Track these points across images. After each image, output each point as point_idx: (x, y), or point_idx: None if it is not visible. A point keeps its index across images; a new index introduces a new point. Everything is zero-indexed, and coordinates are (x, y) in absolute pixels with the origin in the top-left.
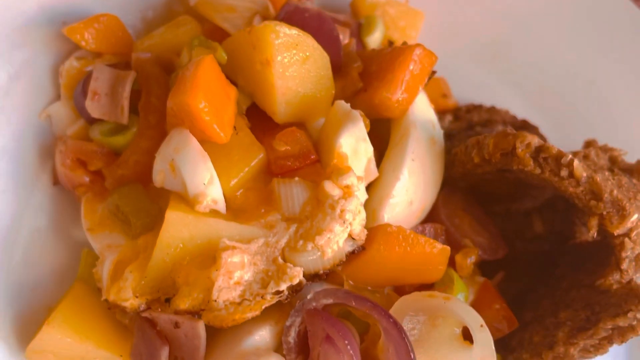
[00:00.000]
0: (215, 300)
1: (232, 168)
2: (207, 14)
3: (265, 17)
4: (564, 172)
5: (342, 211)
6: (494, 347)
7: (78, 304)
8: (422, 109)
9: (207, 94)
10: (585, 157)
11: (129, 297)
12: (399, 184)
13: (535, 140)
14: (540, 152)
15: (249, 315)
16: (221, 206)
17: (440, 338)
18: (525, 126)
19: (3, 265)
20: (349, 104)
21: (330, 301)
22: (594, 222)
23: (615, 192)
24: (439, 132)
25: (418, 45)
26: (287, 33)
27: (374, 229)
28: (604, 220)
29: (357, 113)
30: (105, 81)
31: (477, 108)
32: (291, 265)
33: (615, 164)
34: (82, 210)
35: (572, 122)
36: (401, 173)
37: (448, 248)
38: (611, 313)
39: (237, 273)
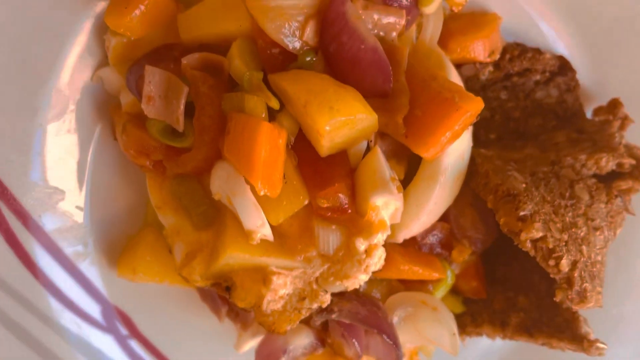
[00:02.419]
0: (264, 309)
1: (280, 212)
2: (255, 15)
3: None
4: (551, 262)
5: (367, 267)
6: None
7: (149, 250)
8: (457, 147)
9: (264, 171)
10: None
11: (197, 279)
12: (418, 222)
13: (538, 234)
14: (539, 241)
15: (288, 327)
16: (269, 236)
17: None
18: (562, 72)
19: (86, 203)
20: (388, 176)
21: (347, 321)
22: (559, 295)
23: (584, 284)
24: (467, 160)
25: (470, 101)
26: (341, 121)
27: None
28: (568, 299)
29: (393, 188)
30: (158, 84)
31: (520, 56)
32: (323, 293)
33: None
34: (147, 184)
35: (617, 68)
36: (423, 213)
37: (443, 275)
38: (552, 329)
39: (281, 291)
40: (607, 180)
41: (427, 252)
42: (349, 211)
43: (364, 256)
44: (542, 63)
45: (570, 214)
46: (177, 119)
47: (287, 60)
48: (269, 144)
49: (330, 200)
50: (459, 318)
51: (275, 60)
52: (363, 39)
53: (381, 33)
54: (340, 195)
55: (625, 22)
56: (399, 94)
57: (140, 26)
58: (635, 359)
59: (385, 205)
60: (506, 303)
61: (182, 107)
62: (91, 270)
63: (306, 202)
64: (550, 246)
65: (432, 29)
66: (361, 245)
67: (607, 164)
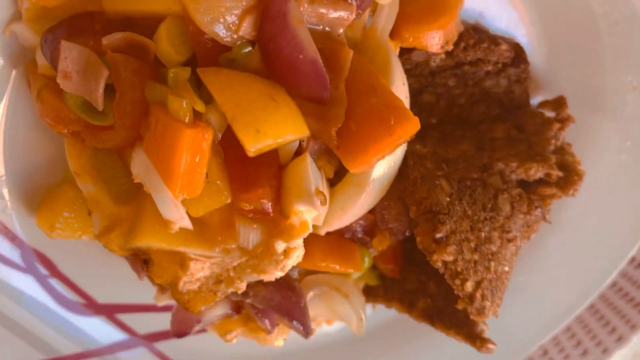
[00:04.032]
0: (180, 289)
1: (201, 207)
2: (185, 5)
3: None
4: (457, 282)
5: (284, 266)
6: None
7: (68, 207)
8: (388, 159)
9: (183, 179)
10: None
11: (115, 250)
12: (341, 222)
13: (450, 257)
14: (449, 262)
15: (202, 308)
16: (188, 225)
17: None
18: (515, 63)
19: (3, 154)
20: (313, 189)
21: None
22: (461, 305)
23: (484, 302)
24: (398, 166)
25: (406, 124)
26: (267, 144)
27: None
28: (468, 311)
29: (317, 201)
30: (75, 61)
31: (475, 46)
32: (238, 282)
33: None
34: (65, 150)
35: (576, 62)
36: (347, 216)
37: (360, 269)
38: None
39: (198, 274)
40: (532, 185)
41: (348, 238)
42: (272, 215)
43: (282, 257)
44: (497, 54)
45: (487, 227)
46: (95, 99)
47: (221, 48)
48: (191, 152)
49: (253, 205)
50: (373, 287)
51: (208, 48)
52: (302, 48)
53: (327, 28)
54: (264, 200)
55: (589, 20)
56: (336, 103)
57: None
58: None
59: (309, 211)
60: (418, 285)
61: (101, 89)
62: (9, 216)
63: (229, 200)
64: (459, 269)
65: (385, 21)
66: (280, 247)
67: (536, 173)
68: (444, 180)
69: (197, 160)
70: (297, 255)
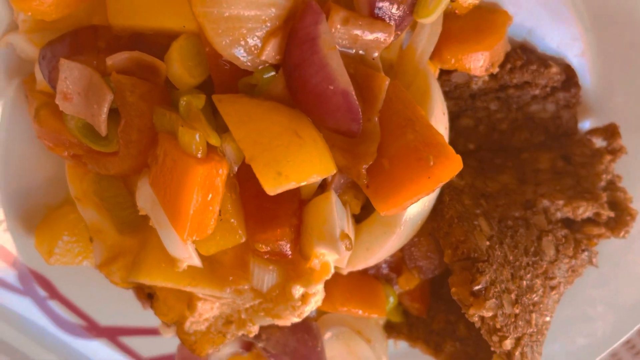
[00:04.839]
0: (187, 329)
1: (212, 246)
2: (203, 26)
3: (279, 38)
4: (495, 338)
5: (301, 313)
6: None
7: (68, 231)
8: (423, 199)
9: (192, 221)
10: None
11: (117, 281)
12: (366, 263)
13: (489, 313)
14: (485, 320)
15: (210, 350)
16: (197, 263)
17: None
18: (565, 87)
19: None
20: (338, 233)
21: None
22: None
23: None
24: (432, 205)
25: (447, 164)
26: (289, 186)
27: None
28: None
29: (342, 247)
30: (76, 81)
31: (522, 68)
32: (250, 324)
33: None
34: (66, 172)
35: (632, 86)
36: (373, 258)
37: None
38: None
39: (206, 314)
40: (578, 223)
41: (372, 275)
42: (290, 256)
43: (299, 303)
44: (546, 77)
45: (529, 275)
46: (98, 124)
47: (239, 72)
48: (203, 190)
49: (270, 246)
50: (396, 324)
51: (226, 71)
52: (333, 78)
53: (360, 51)
54: (282, 242)
55: None
56: (367, 137)
57: (56, 9)
58: None
59: (332, 253)
60: (446, 326)
61: (104, 114)
62: (5, 237)
63: (243, 240)
64: (498, 325)
65: (426, 43)
66: (298, 292)
67: (584, 212)
68: (483, 220)
69: (209, 198)
70: (316, 301)
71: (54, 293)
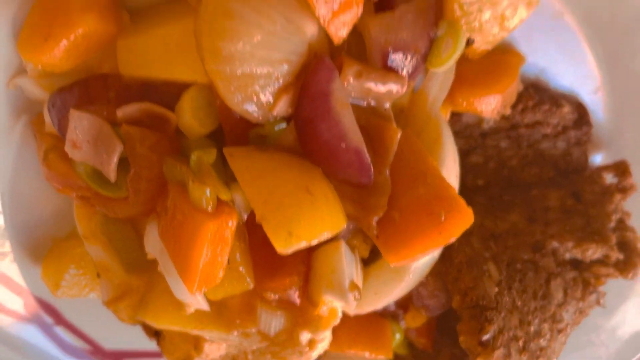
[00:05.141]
0: None
1: (220, 291)
2: (215, 83)
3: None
4: None
5: (308, 358)
6: None
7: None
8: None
9: (202, 274)
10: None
11: (124, 318)
12: (374, 308)
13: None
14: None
15: None
16: (204, 307)
17: None
18: (576, 125)
19: (8, 207)
20: (347, 283)
21: None
22: None
23: None
24: (440, 251)
25: (459, 219)
26: (299, 245)
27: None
28: None
29: (350, 297)
30: (85, 131)
31: (534, 108)
32: None
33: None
34: (74, 211)
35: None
36: (380, 303)
37: (390, 355)
38: None
39: (213, 354)
40: (587, 263)
41: (379, 313)
42: (298, 303)
43: (307, 349)
44: (558, 117)
45: (537, 319)
46: (108, 171)
47: (250, 123)
48: (213, 244)
49: (279, 294)
50: (401, 356)
51: (236, 122)
52: (345, 136)
53: (372, 102)
54: (290, 291)
55: None
56: (378, 189)
57: (66, 62)
58: None
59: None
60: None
61: (114, 164)
62: (12, 267)
63: (251, 287)
64: None
65: (438, 91)
66: (305, 337)
67: (594, 254)
68: (492, 265)
69: (218, 251)
70: (323, 346)
71: (59, 319)
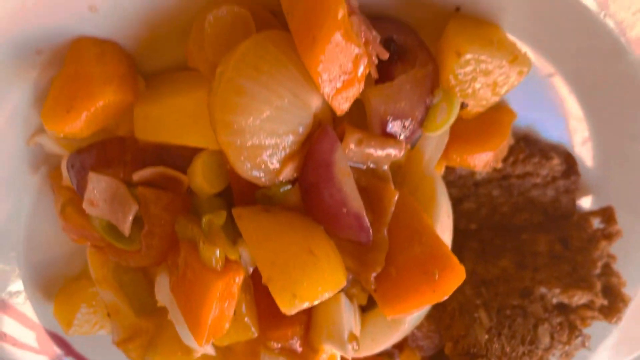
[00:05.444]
0: None
1: (225, 339)
2: (226, 153)
3: (297, 161)
4: None
5: None
6: None
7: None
8: None
9: (211, 328)
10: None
11: (134, 358)
12: (371, 352)
13: None
14: None
15: None
16: (211, 352)
17: None
18: (565, 175)
19: (23, 249)
20: (346, 335)
21: None
22: None
23: None
24: None
25: (452, 277)
26: (302, 305)
27: None
28: None
29: (349, 348)
30: (103, 191)
31: (525, 160)
32: None
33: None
34: (87, 257)
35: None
36: (377, 348)
37: None
38: None
39: None
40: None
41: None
42: (300, 352)
43: None
44: (547, 168)
45: None
46: (122, 228)
47: (258, 185)
48: (221, 300)
49: (282, 344)
50: None
51: (244, 184)
52: (346, 202)
53: (371, 165)
54: (292, 340)
55: None
56: (376, 247)
57: (86, 130)
58: None
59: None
60: None
61: (129, 222)
62: (25, 305)
63: (255, 335)
64: None
65: (433, 151)
66: None
67: (580, 300)
68: (483, 312)
69: (226, 305)
70: None
71: (69, 350)
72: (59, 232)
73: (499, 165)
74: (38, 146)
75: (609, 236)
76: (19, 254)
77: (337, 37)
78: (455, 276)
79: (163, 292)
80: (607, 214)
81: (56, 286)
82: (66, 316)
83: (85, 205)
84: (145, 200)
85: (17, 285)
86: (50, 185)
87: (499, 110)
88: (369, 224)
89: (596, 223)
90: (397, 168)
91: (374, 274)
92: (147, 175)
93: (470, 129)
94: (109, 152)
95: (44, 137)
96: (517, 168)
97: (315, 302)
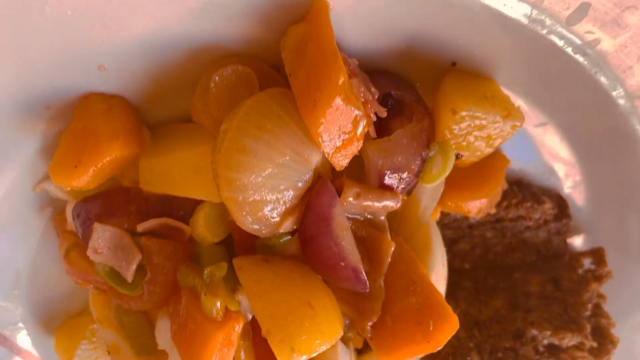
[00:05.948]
0: None
1: None
2: (229, 208)
3: (297, 214)
4: None
5: None
6: None
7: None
8: None
9: None
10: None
11: None
12: None
13: None
14: None
15: None
16: None
17: None
18: (557, 218)
19: (26, 288)
20: None
21: None
22: None
23: None
24: None
25: (446, 328)
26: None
27: None
28: None
29: None
30: (107, 240)
31: (518, 205)
32: None
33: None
34: (89, 297)
35: (620, 211)
36: None
37: None
38: None
39: None
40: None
41: None
42: None
43: None
44: (539, 212)
45: None
46: (125, 274)
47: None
48: (221, 350)
49: None
50: None
51: (245, 234)
52: (344, 256)
53: (369, 216)
54: None
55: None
56: (373, 296)
57: (92, 183)
58: None
59: None
60: None
61: (132, 270)
62: (26, 340)
63: None
64: None
65: (428, 200)
66: None
67: (570, 342)
68: (476, 355)
69: (225, 352)
70: None
71: None
72: (62, 271)
73: (493, 210)
74: (44, 191)
75: (599, 278)
76: (21, 292)
77: (338, 101)
78: (449, 326)
79: (164, 337)
80: (597, 255)
81: (57, 322)
82: (67, 351)
83: (89, 253)
84: (148, 250)
85: (19, 321)
86: (54, 228)
87: (492, 157)
88: (365, 277)
89: (587, 263)
90: (394, 214)
91: (370, 323)
92: (150, 226)
93: (465, 176)
94: (114, 202)
95: (50, 184)
96: (510, 212)
97: (313, 355)
